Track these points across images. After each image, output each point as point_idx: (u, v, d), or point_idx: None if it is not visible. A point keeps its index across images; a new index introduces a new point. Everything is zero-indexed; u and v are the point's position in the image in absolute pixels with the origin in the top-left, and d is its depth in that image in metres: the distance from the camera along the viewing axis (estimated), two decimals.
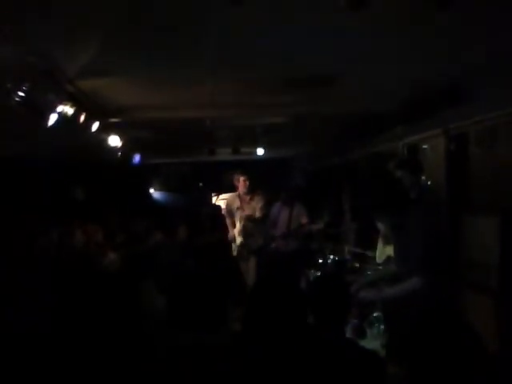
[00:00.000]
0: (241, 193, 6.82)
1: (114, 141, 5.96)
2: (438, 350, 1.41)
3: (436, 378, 1.43)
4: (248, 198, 6.82)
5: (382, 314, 3.55)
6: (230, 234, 6.89)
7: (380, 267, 4.90)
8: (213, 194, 13.12)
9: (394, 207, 3.50)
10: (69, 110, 4.09)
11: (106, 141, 5.87)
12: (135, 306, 3.13)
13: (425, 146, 5.50)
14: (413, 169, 3.78)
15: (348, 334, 3.24)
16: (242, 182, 6.76)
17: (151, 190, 13.19)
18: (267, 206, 6.92)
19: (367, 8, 2.33)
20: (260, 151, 8.98)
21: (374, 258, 5.34)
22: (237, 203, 6.86)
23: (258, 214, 6.64)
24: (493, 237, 4.05)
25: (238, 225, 6.77)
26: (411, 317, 2.81)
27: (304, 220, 6.76)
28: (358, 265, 5.57)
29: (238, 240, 6.76)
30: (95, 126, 4.96)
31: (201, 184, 13.11)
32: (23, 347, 2.99)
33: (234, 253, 6.84)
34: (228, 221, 6.99)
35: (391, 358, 2.63)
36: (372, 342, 3.48)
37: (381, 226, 5.14)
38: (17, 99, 3.47)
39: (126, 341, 2.79)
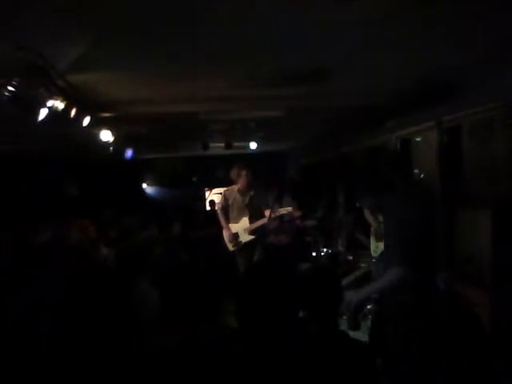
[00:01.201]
0: (241, 188, 6.50)
1: (106, 135, 5.91)
2: (428, 342, 1.41)
3: (425, 371, 1.42)
4: (251, 193, 6.50)
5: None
6: (230, 230, 6.50)
7: (374, 260, 4.93)
8: (206, 189, 13.13)
9: (377, 189, 3.42)
10: (59, 104, 4.05)
11: (97, 135, 5.83)
12: (129, 302, 3.12)
13: (418, 139, 5.52)
14: (397, 164, 3.77)
15: (342, 327, 3.25)
16: (244, 177, 6.43)
17: (144, 185, 13.17)
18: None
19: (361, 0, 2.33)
20: (253, 145, 8.98)
21: (368, 250, 5.38)
22: (234, 198, 6.56)
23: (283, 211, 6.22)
24: (486, 230, 4.06)
25: (244, 220, 6.42)
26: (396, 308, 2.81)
27: (296, 213, 6.68)
28: (351, 258, 5.61)
29: (247, 237, 6.41)
30: (86, 120, 4.92)
31: (194, 179, 13.10)
32: (17, 346, 2.98)
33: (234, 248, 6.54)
34: (222, 216, 6.64)
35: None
36: (366, 334, 3.50)
37: (371, 220, 5.17)
38: (7, 94, 3.44)
39: (122, 338, 2.78)
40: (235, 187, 6.61)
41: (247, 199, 6.53)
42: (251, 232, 6.43)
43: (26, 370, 2.80)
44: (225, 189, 6.87)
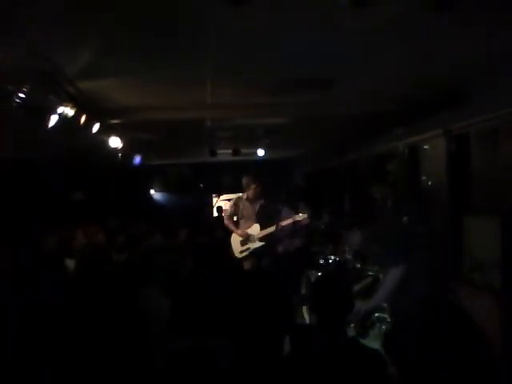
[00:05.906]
0: (250, 197, 6.65)
1: (115, 142, 5.95)
2: (436, 348, 1.39)
3: (434, 378, 1.40)
4: (261, 201, 6.67)
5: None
6: (241, 232, 6.59)
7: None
8: (214, 195, 13.14)
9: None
10: (69, 111, 4.08)
11: (106, 142, 5.86)
12: (136, 309, 3.12)
13: (426, 147, 5.50)
14: (382, 183, 3.76)
15: (350, 334, 3.24)
16: (253, 189, 6.60)
17: (152, 191, 13.21)
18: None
19: (369, 6, 2.33)
20: (261, 152, 8.98)
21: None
22: (244, 206, 6.69)
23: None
24: (494, 238, 4.04)
25: (255, 227, 6.53)
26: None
27: (304, 220, 6.65)
28: (359, 265, 5.58)
29: (257, 244, 6.51)
30: (96, 127, 4.95)
31: (201, 185, 13.13)
32: (25, 351, 2.99)
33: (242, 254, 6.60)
34: (229, 223, 6.75)
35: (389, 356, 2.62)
36: (373, 341, 3.48)
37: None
38: (17, 101, 3.47)
39: (129, 343, 2.78)
40: (244, 195, 6.75)
41: (257, 208, 6.65)
42: (261, 239, 6.49)
43: (29, 375, 2.81)
44: (235, 196, 7.00)
